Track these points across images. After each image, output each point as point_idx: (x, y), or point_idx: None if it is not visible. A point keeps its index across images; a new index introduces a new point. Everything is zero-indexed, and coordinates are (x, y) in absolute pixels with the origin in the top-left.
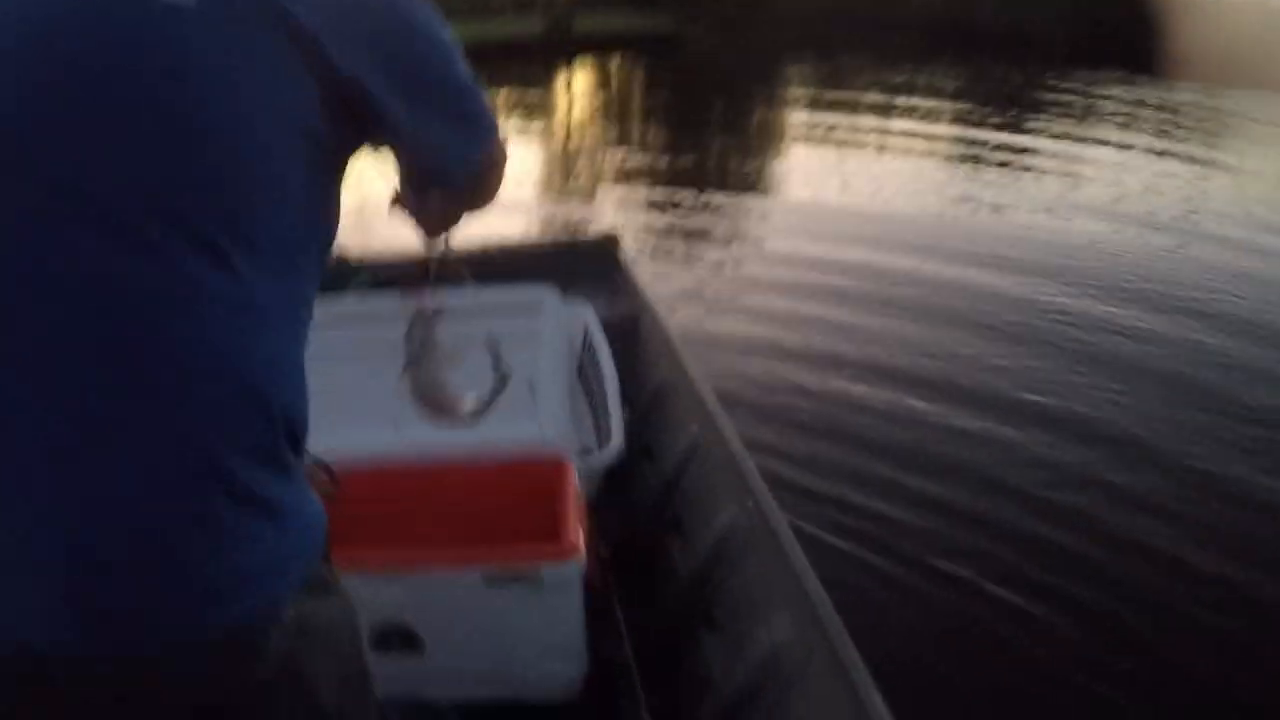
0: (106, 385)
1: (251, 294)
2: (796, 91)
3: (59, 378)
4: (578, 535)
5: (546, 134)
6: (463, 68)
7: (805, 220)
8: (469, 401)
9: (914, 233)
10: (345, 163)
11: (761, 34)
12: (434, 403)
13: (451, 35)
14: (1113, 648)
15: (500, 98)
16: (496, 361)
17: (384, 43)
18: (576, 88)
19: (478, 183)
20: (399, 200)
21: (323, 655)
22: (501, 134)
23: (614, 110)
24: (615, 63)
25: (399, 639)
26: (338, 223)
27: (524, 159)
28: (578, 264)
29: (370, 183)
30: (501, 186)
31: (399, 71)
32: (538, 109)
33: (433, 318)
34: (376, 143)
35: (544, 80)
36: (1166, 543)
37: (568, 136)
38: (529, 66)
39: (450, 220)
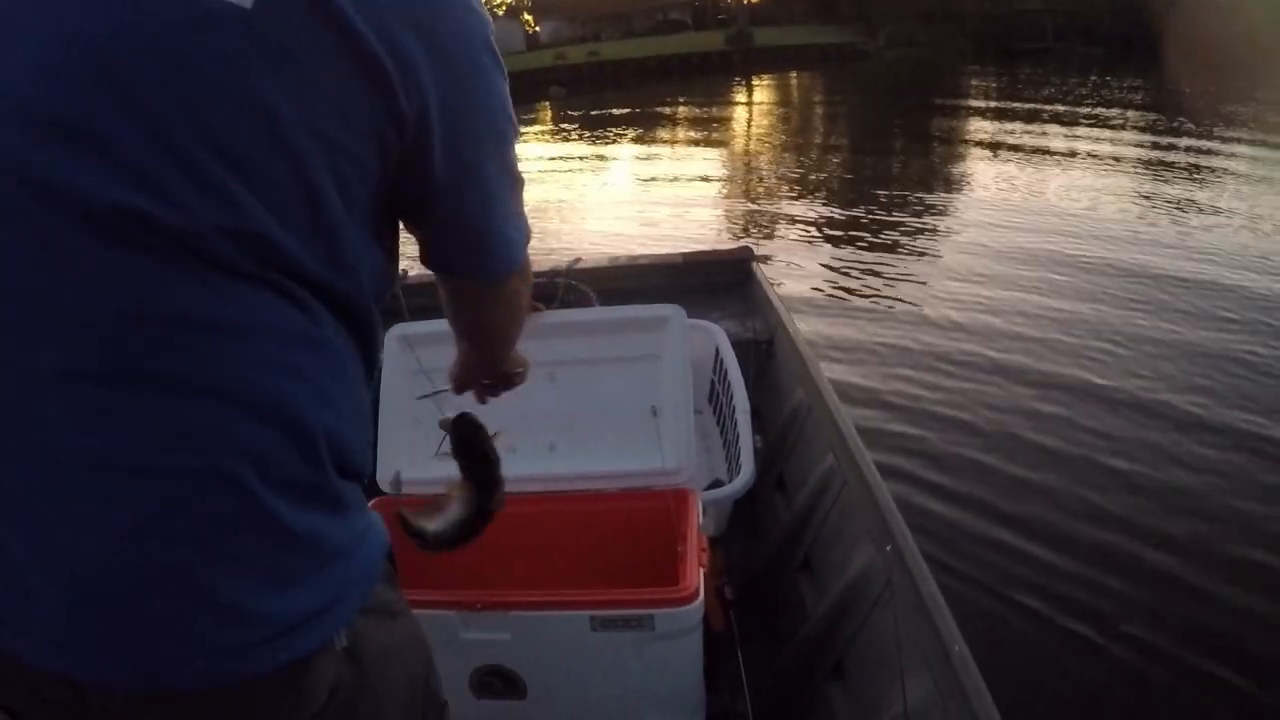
0: (134, 411)
1: (304, 323)
2: (978, 101)
3: (81, 398)
4: (698, 578)
5: (721, 145)
6: (515, 150)
7: (982, 235)
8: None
9: (1104, 245)
10: (385, 201)
11: (942, 46)
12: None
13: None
14: None
15: (679, 108)
16: None
17: (456, 84)
18: (755, 99)
19: (502, 293)
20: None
21: (379, 685)
22: (523, 261)
23: (791, 122)
24: (794, 76)
25: (500, 683)
26: (395, 263)
27: (698, 169)
28: (711, 279)
29: None
30: (517, 326)
31: (469, 124)
32: (714, 120)
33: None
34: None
35: (722, 92)
36: None
37: (742, 148)
38: (709, 78)
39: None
